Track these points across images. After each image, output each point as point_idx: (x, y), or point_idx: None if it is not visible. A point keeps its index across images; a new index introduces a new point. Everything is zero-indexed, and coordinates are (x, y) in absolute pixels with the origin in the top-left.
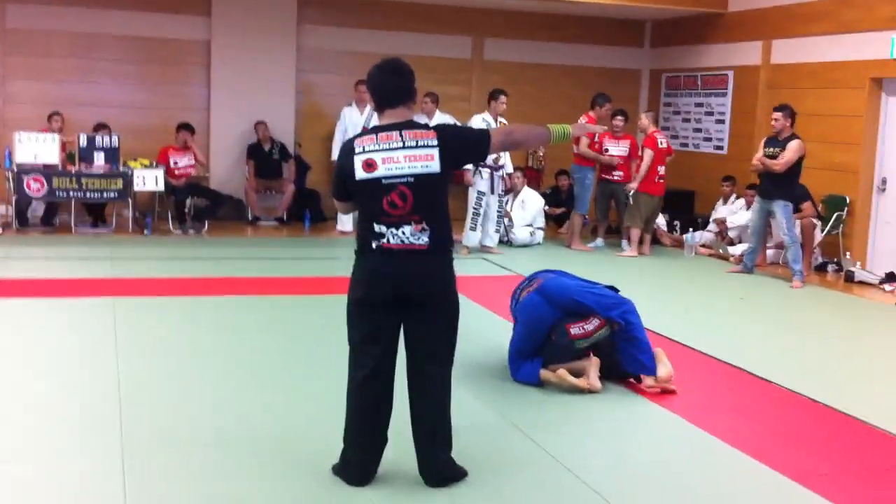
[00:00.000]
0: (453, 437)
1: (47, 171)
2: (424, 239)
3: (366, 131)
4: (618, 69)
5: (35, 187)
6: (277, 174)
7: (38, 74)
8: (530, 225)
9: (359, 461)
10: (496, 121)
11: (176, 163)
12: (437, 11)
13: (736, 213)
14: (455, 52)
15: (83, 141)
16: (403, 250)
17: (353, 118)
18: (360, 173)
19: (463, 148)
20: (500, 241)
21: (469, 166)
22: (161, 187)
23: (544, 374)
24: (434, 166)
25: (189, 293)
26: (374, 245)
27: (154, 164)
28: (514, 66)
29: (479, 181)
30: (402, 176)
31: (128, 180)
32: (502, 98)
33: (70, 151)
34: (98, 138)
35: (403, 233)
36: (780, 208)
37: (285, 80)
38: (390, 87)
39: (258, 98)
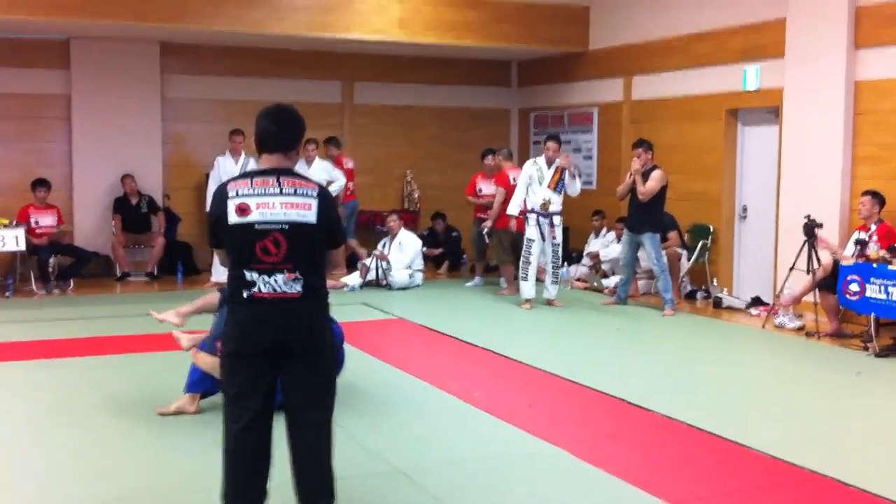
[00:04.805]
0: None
1: None
2: (297, 287)
3: (240, 175)
4: (487, 109)
5: None
6: (146, 228)
7: None
8: (409, 267)
9: None
10: (549, 166)
11: (37, 221)
12: (305, 57)
13: (608, 246)
14: (325, 97)
15: None
16: (275, 299)
17: (228, 167)
18: (232, 218)
19: (331, 226)
20: (378, 285)
21: (513, 211)
22: (22, 247)
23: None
24: (311, 216)
25: (53, 356)
26: (245, 294)
27: (14, 223)
28: (385, 108)
29: (528, 228)
30: (277, 223)
31: None
32: (549, 144)
33: None
34: None
35: (276, 281)
36: (648, 239)
37: (151, 131)
38: (269, 132)
39: (123, 151)
